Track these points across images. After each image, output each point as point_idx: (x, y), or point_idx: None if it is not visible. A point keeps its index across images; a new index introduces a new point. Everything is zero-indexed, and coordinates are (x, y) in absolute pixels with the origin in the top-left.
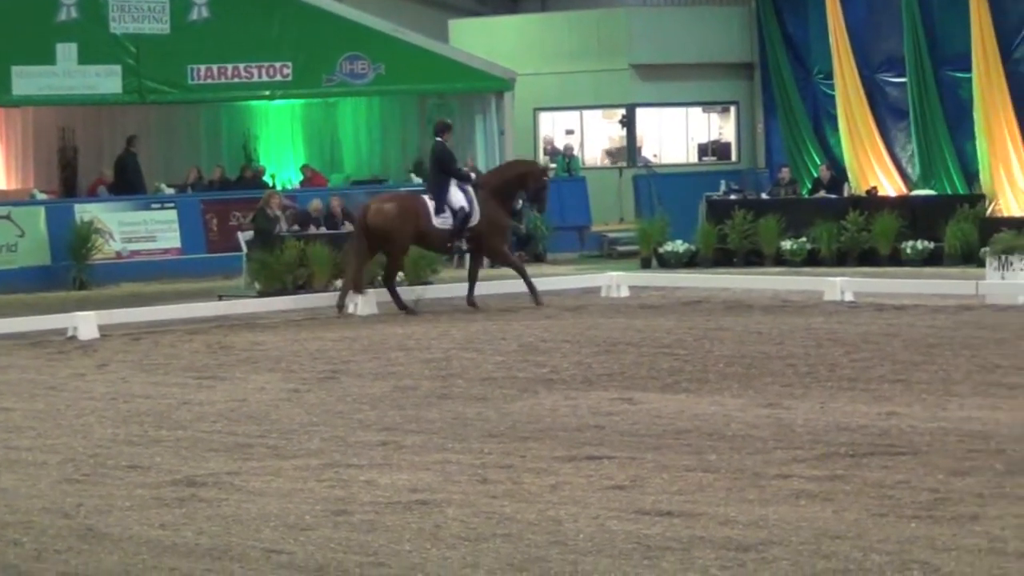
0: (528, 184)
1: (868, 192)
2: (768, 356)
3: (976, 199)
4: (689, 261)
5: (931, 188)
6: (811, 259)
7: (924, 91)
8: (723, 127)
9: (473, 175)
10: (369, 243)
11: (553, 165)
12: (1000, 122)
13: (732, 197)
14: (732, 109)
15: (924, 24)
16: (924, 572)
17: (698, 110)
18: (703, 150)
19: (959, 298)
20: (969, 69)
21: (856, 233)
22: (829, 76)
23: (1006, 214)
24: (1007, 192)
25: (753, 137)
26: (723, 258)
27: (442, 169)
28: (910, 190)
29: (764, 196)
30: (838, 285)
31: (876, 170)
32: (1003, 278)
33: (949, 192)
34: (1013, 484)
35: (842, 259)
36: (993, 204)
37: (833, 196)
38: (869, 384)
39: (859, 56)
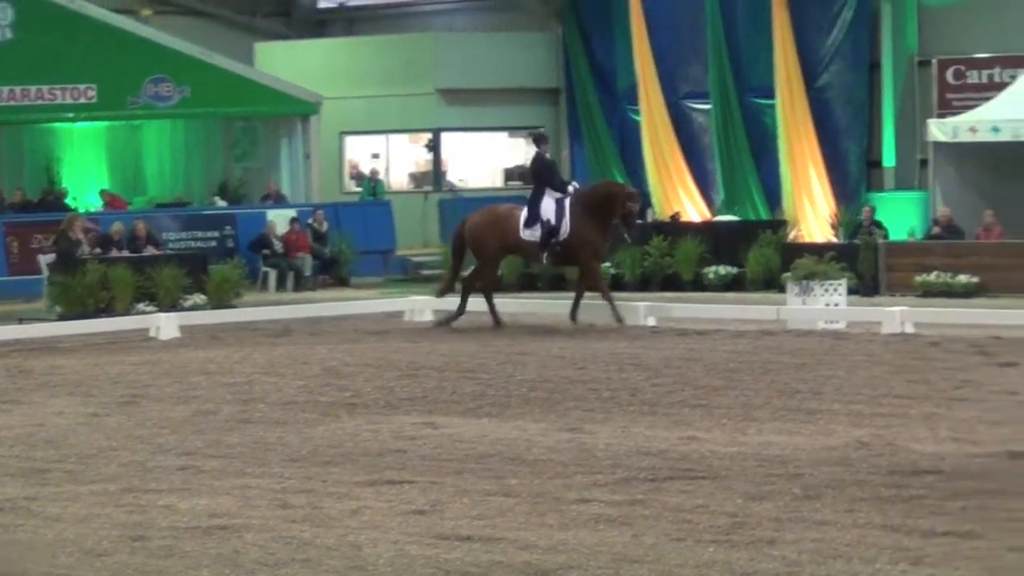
0: (614, 206)
1: (672, 217)
2: (570, 380)
3: (778, 225)
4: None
5: (734, 214)
6: (615, 284)
7: (729, 118)
8: (529, 152)
9: (572, 187)
10: (463, 253)
11: (358, 189)
12: (803, 149)
13: None
14: None
15: (729, 52)
16: None
17: (504, 135)
18: (509, 175)
19: (760, 323)
20: (773, 96)
21: (659, 258)
22: (635, 102)
23: (807, 240)
24: (809, 218)
25: (559, 162)
26: (528, 283)
27: (539, 180)
28: (714, 216)
29: None
30: (641, 310)
31: (681, 196)
32: (804, 303)
33: (752, 218)
34: (810, 508)
35: (645, 284)
36: (795, 230)
37: (638, 221)
38: (670, 409)
39: (665, 82)
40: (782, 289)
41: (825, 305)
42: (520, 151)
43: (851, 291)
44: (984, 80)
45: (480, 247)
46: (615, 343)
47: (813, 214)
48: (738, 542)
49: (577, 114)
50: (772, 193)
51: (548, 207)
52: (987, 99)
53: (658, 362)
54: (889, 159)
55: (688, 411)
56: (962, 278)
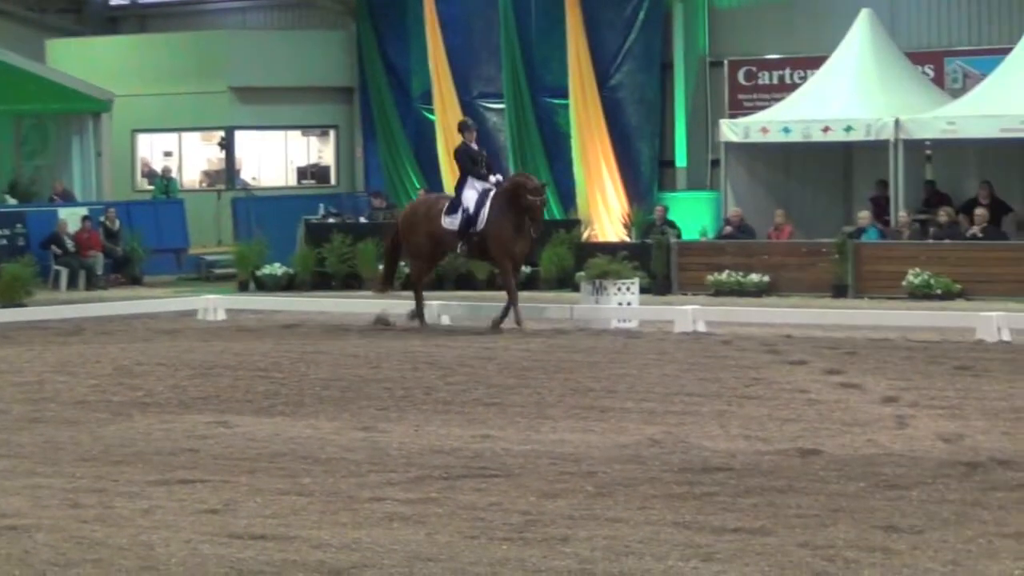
0: (520, 199)
1: None
2: (364, 379)
3: (571, 224)
4: (287, 284)
5: None
6: (407, 283)
7: (522, 117)
8: (322, 151)
9: (494, 178)
10: (396, 248)
11: (151, 187)
12: (596, 149)
13: (331, 221)
14: (331, 133)
15: (522, 51)
16: None
17: (297, 133)
18: (302, 173)
19: (554, 322)
20: (566, 96)
21: (454, 258)
22: (429, 101)
23: (601, 239)
24: (602, 217)
25: (352, 161)
26: (321, 281)
27: (462, 169)
28: None
29: (363, 220)
30: (435, 309)
31: None
32: (597, 302)
33: (546, 217)
34: (603, 506)
35: (440, 283)
36: (588, 229)
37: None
38: (464, 407)
39: (459, 82)
40: (576, 288)
41: (618, 304)
42: (314, 149)
43: (644, 290)
44: (775, 81)
45: (407, 236)
46: (409, 342)
47: (606, 213)
48: (531, 540)
49: (371, 113)
50: (565, 192)
51: (470, 197)
52: (778, 100)
53: (452, 360)
54: (681, 159)
55: (482, 409)
56: (753, 277)
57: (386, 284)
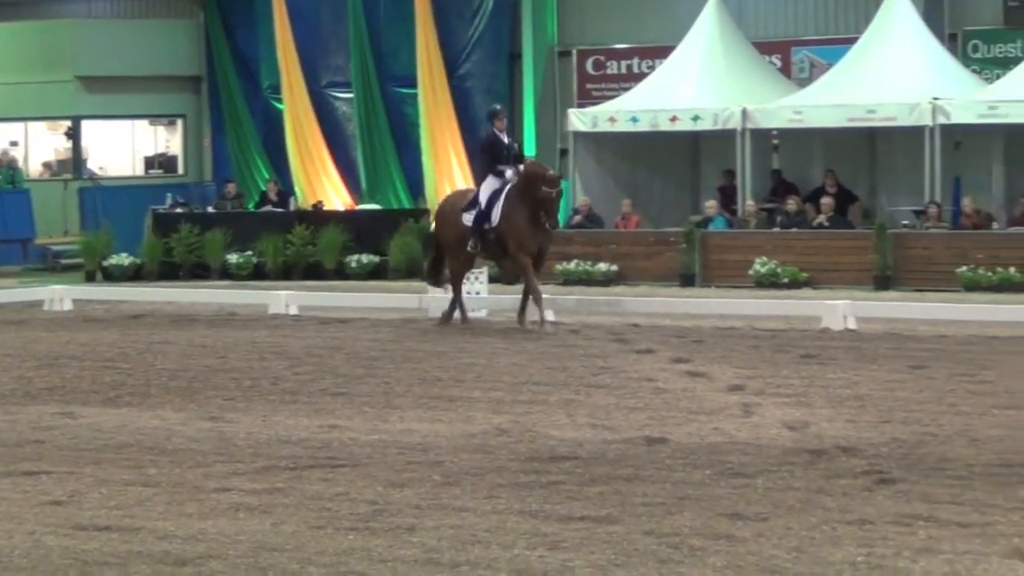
0: (535, 189)
1: (315, 206)
2: (212, 370)
3: (421, 213)
4: (135, 274)
5: (377, 203)
6: (257, 273)
7: (371, 107)
8: (170, 140)
9: (510, 171)
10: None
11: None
12: (445, 138)
13: (178, 210)
14: (179, 122)
15: (371, 41)
16: None
17: (145, 123)
18: (150, 163)
19: (402, 311)
20: (415, 85)
21: (302, 247)
22: (278, 90)
23: None
24: None
25: (200, 151)
26: (169, 271)
27: (481, 161)
28: (356, 204)
29: (211, 210)
30: (283, 299)
31: (324, 184)
32: (445, 292)
33: (394, 207)
34: (450, 495)
35: (288, 273)
36: None
37: (280, 210)
38: (311, 397)
39: (307, 71)
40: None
41: (467, 294)
42: (161, 139)
43: (493, 279)
44: (623, 71)
45: (439, 230)
46: (256, 332)
47: None
48: (378, 529)
49: (219, 102)
50: (414, 182)
51: (487, 190)
52: (626, 89)
53: (300, 351)
54: (530, 148)
55: (329, 399)
56: (602, 266)
57: (432, 276)
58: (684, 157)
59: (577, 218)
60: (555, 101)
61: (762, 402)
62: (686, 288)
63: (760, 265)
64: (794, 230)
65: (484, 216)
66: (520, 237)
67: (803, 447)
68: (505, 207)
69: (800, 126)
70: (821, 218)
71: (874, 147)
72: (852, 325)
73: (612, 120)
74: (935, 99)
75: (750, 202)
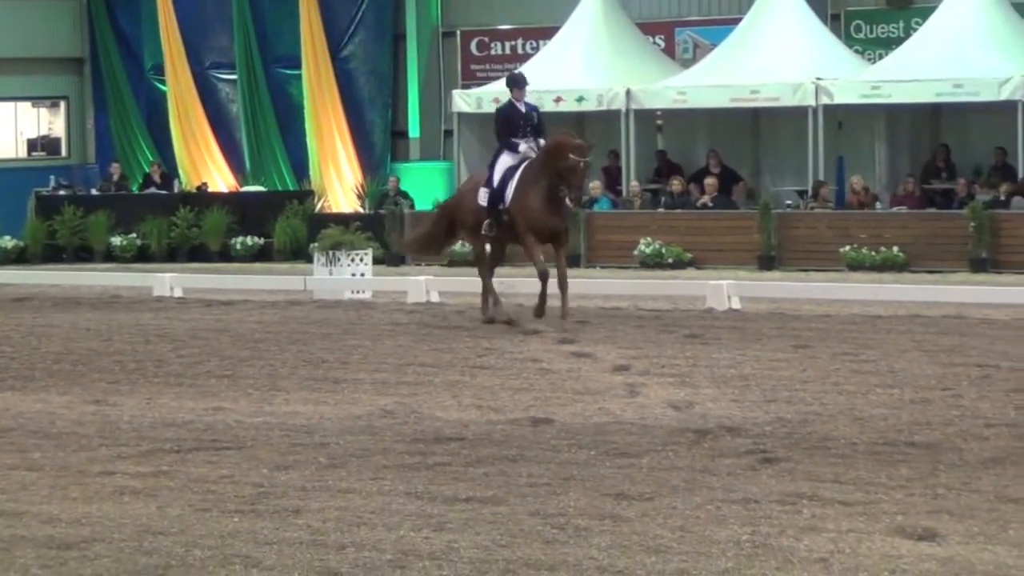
0: (557, 161)
1: (199, 188)
2: (96, 353)
3: (305, 195)
4: (18, 257)
5: (261, 184)
6: (141, 255)
7: (254, 88)
8: (52, 122)
9: (524, 145)
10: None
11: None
12: (329, 119)
13: (62, 193)
14: (62, 104)
15: (254, 22)
16: (246, 566)
17: (27, 104)
18: (32, 145)
19: (288, 293)
20: (299, 67)
21: (186, 229)
22: (162, 72)
23: (334, 210)
24: (335, 188)
25: (83, 133)
26: (53, 254)
27: (497, 136)
28: (241, 186)
29: (94, 192)
30: (167, 281)
31: (208, 166)
32: (330, 273)
33: (279, 188)
34: (335, 477)
35: (172, 255)
36: (322, 200)
37: (164, 192)
38: (196, 380)
39: (191, 53)
40: (309, 259)
41: (351, 275)
42: (44, 121)
43: (377, 261)
44: (507, 52)
45: (458, 213)
46: (140, 315)
47: (339, 185)
48: (263, 511)
49: (103, 84)
50: (299, 163)
51: (501, 167)
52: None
53: (184, 333)
54: (414, 130)
55: (214, 382)
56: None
57: (411, 246)
58: None
59: None
60: (439, 82)
61: (647, 382)
62: (571, 268)
63: (645, 246)
64: (678, 210)
65: (498, 196)
66: (531, 219)
67: (688, 427)
68: (519, 185)
69: (684, 107)
70: (705, 198)
71: (758, 127)
72: (736, 305)
73: (497, 101)
74: (818, 79)
75: (634, 183)
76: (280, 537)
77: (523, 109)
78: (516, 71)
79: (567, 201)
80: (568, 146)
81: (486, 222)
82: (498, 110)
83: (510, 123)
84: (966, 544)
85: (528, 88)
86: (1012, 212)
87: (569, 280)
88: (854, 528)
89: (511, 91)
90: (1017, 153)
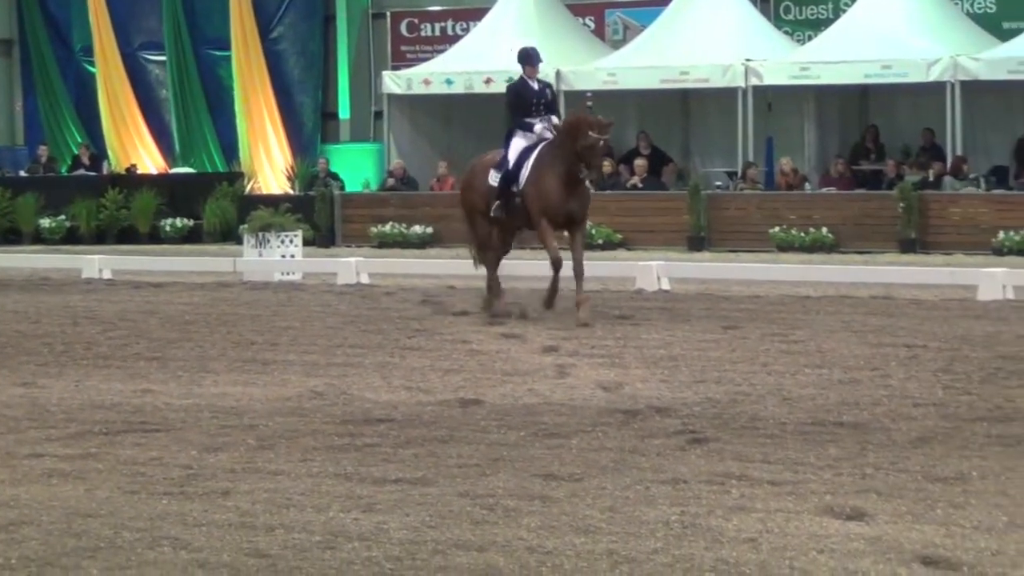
0: (575, 140)
1: (128, 170)
2: (24, 335)
3: (235, 177)
4: None
5: (191, 166)
6: (70, 237)
7: (184, 70)
8: None
9: (540, 125)
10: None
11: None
12: (259, 101)
13: None
14: None
15: (184, 4)
16: (175, 548)
17: None
18: None
19: (217, 275)
20: (228, 48)
21: (115, 211)
22: (90, 53)
23: (264, 192)
24: (265, 170)
25: (12, 114)
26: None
27: (510, 114)
28: (170, 168)
29: (23, 174)
30: (96, 263)
31: (138, 148)
32: (260, 255)
33: (209, 170)
34: (264, 459)
35: (101, 237)
36: (251, 182)
37: (93, 174)
38: (125, 362)
39: (120, 34)
40: (239, 241)
41: (281, 257)
42: None
43: (307, 242)
44: (437, 33)
45: (465, 190)
46: (69, 296)
47: (269, 166)
48: (192, 494)
49: (31, 66)
50: (228, 145)
51: (515, 148)
52: (440, 52)
53: (113, 315)
54: (344, 111)
55: (143, 364)
56: (417, 229)
57: (479, 256)
58: (499, 119)
59: (391, 181)
60: (369, 64)
61: (576, 363)
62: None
63: None
64: (608, 192)
65: (512, 177)
66: (546, 202)
67: (617, 407)
68: (535, 167)
69: (614, 88)
70: (635, 180)
71: (687, 109)
72: (666, 286)
73: (427, 82)
74: (747, 61)
75: None
76: (209, 519)
77: (536, 86)
78: (528, 46)
79: (587, 182)
80: (588, 123)
81: (495, 204)
82: (509, 87)
83: (522, 101)
84: (894, 523)
85: (458, 69)
86: (940, 193)
87: (504, 261)
88: (782, 508)
89: (523, 67)
90: (945, 134)
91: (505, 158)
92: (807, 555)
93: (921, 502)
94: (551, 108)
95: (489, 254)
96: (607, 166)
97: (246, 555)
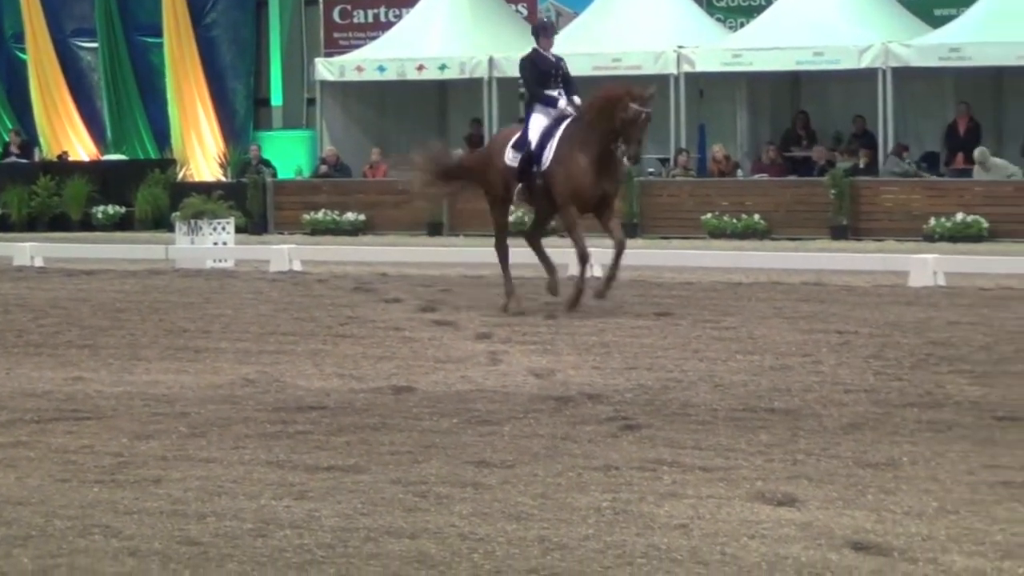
0: (612, 116)
1: (59, 157)
2: None
3: (167, 164)
4: None
5: (123, 153)
6: (1, 224)
7: (116, 57)
8: None
9: (564, 100)
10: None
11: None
12: (191, 88)
13: None
14: None
15: None
16: (106, 536)
17: None
18: None
19: (149, 263)
20: (161, 35)
21: (47, 198)
22: (21, 40)
23: (196, 179)
24: (198, 157)
25: None
26: None
27: (527, 90)
28: (102, 155)
29: None
30: (28, 250)
31: (69, 135)
32: (192, 243)
33: (140, 157)
34: (196, 447)
35: (32, 224)
36: (184, 169)
37: (24, 161)
38: (56, 349)
39: (51, 20)
40: (171, 228)
41: (213, 244)
42: None
43: (239, 230)
44: (370, 20)
45: (480, 175)
46: (0, 284)
47: (201, 153)
48: (123, 481)
49: None
50: (160, 132)
51: (537, 126)
52: (373, 38)
53: (45, 303)
54: (277, 98)
55: (75, 352)
56: (349, 216)
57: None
58: (432, 106)
59: (324, 167)
60: (302, 50)
61: (509, 350)
62: (434, 237)
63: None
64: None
65: (534, 157)
66: (574, 184)
67: (549, 394)
68: (561, 144)
69: None
70: None
71: None
72: (599, 273)
73: (359, 69)
74: (680, 48)
75: None
76: (140, 507)
77: (552, 59)
78: (544, 18)
79: (625, 160)
80: (629, 95)
81: (518, 187)
82: (523, 60)
83: (539, 73)
84: (824, 509)
85: (390, 56)
86: (872, 179)
87: (425, 248)
88: (714, 494)
89: (537, 39)
90: (877, 121)
91: (526, 137)
92: (738, 541)
93: (852, 488)
94: (568, 82)
95: (504, 244)
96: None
97: (177, 543)
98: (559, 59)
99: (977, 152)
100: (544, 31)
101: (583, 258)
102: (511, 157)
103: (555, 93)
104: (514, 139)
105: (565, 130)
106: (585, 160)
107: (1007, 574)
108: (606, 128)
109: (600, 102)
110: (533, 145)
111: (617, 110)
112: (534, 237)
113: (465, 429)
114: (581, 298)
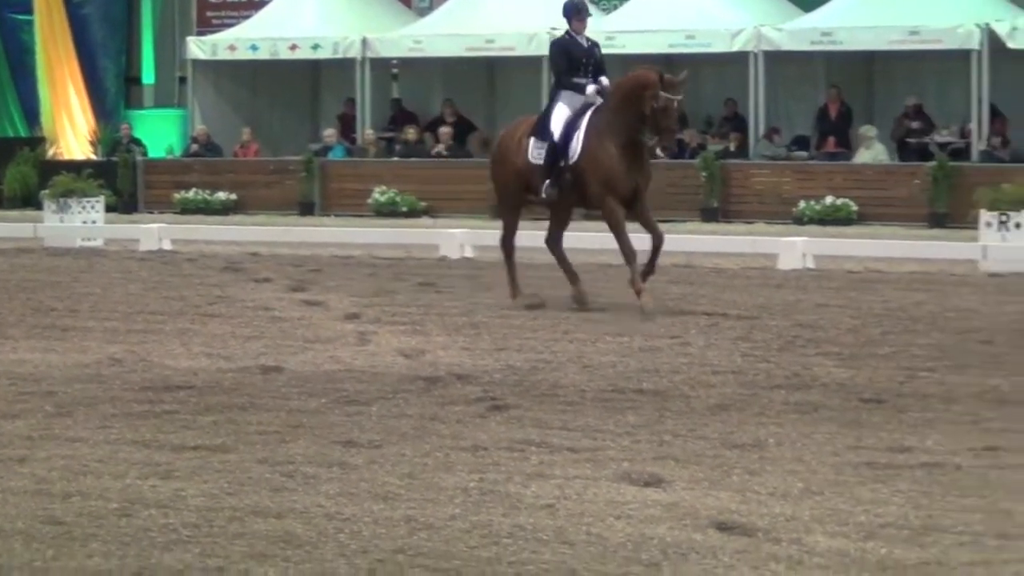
0: (647, 99)
1: None
2: None
3: (37, 142)
4: None
5: None
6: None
7: None
8: None
9: (592, 87)
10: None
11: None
12: (62, 66)
13: None
14: None
15: None
16: None
17: None
18: None
19: (17, 241)
20: (31, 12)
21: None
22: None
23: (67, 157)
24: (68, 135)
25: None
26: None
27: (555, 77)
28: None
29: None
30: None
31: None
32: (62, 221)
33: (10, 135)
34: (62, 426)
35: None
36: (54, 147)
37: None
38: None
39: None
40: (40, 207)
41: (83, 223)
42: None
43: (109, 208)
44: None
45: (494, 170)
46: None
47: (72, 131)
48: None
49: None
50: (30, 110)
51: (560, 117)
52: (246, 17)
53: None
54: (148, 76)
55: None
56: (220, 195)
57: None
58: (304, 86)
59: (195, 147)
60: (174, 29)
61: (378, 330)
62: (305, 217)
63: (379, 194)
64: (413, 159)
65: (560, 150)
66: (607, 176)
67: (418, 374)
68: (588, 134)
69: (420, 55)
70: (440, 148)
71: (493, 77)
72: (469, 253)
73: (232, 48)
74: (552, 29)
75: (369, 131)
76: (5, 486)
77: (584, 44)
78: None
79: (657, 151)
80: (657, 82)
81: (546, 184)
82: (554, 43)
83: (570, 59)
84: (691, 489)
85: (263, 35)
86: (742, 162)
87: (296, 228)
88: (581, 474)
89: (570, 22)
90: (748, 104)
91: (548, 128)
92: (604, 521)
93: (718, 468)
94: (600, 70)
95: (512, 242)
96: (411, 133)
97: (41, 522)
98: (593, 44)
99: (865, 127)
100: (577, 13)
101: (631, 257)
102: (536, 155)
103: (583, 80)
104: (532, 133)
105: (590, 120)
106: (615, 150)
107: (870, 554)
108: (634, 115)
109: (628, 89)
110: (556, 136)
111: (647, 98)
112: (555, 243)
113: (333, 409)
114: (645, 297)
